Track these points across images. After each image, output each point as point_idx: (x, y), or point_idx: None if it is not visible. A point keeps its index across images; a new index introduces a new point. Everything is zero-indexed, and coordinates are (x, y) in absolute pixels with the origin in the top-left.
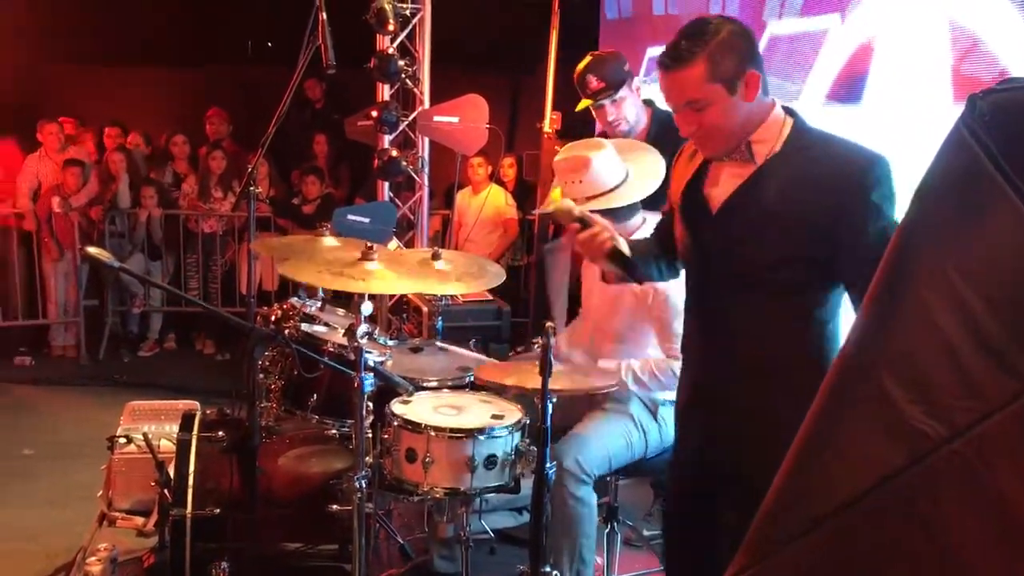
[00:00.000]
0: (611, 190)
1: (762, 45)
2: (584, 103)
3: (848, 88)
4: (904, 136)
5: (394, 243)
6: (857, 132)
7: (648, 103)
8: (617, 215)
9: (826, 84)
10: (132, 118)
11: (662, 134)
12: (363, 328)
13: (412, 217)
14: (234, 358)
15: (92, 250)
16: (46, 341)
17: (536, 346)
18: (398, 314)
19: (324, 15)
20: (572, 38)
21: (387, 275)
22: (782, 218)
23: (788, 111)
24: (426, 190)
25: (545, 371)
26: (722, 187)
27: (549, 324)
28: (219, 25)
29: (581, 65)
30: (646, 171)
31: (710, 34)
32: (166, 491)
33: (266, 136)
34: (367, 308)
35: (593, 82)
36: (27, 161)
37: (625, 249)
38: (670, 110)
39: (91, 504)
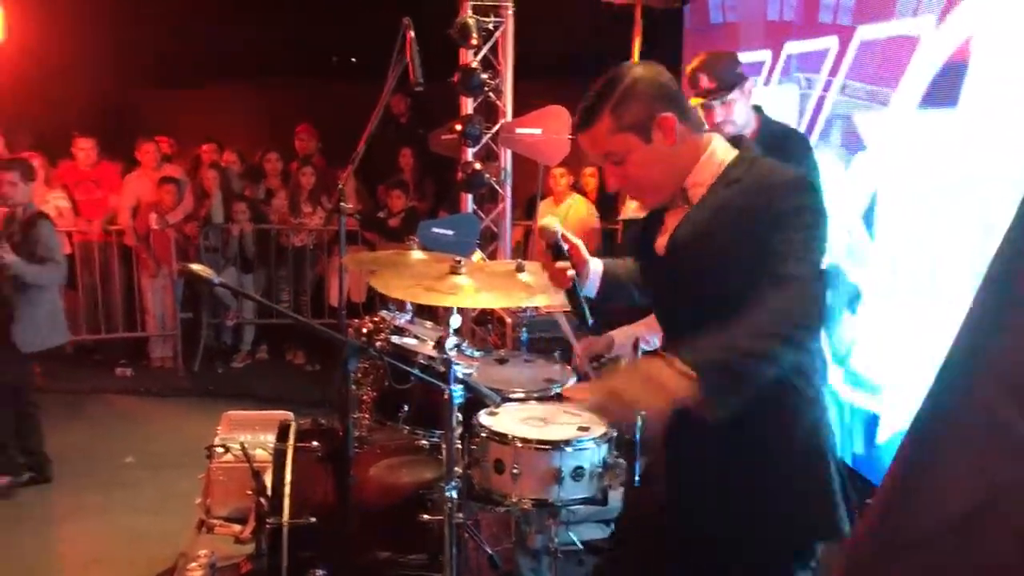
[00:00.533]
0: None
1: (851, 51)
2: (693, 101)
3: (944, 92)
4: (1004, 140)
5: (478, 255)
6: (953, 137)
7: (757, 109)
8: None
9: (920, 89)
10: (225, 135)
11: (769, 143)
12: (452, 341)
13: (495, 228)
14: (324, 369)
15: (194, 267)
16: (145, 353)
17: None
18: (482, 325)
19: (412, 34)
20: (654, 47)
21: (474, 289)
22: (710, 257)
23: (737, 142)
24: (509, 201)
25: None
26: (665, 235)
27: (636, 335)
28: (306, 43)
29: (695, 62)
30: None
31: (613, 85)
32: (262, 499)
33: (356, 154)
34: (456, 321)
35: (704, 81)
36: (126, 180)
37: (582, 291)
38: (781, 120)
39: (190, 511)
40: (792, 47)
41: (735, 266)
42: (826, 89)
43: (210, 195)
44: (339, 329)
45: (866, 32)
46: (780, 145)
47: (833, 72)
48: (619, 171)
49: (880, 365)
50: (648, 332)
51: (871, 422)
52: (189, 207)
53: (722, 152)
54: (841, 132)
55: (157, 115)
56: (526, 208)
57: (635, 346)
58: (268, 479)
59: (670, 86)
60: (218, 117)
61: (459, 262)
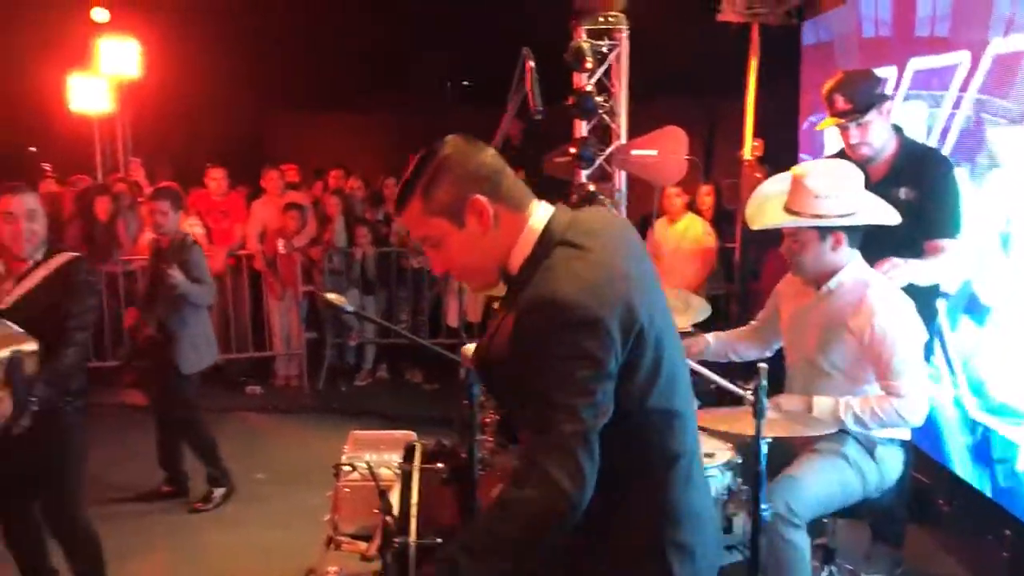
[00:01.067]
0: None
1: (983, 66)
2: (828, 122)
3: None
4: None
5: None
6: None
7: (896, 129)
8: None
9: None
10: (348, 161)
11: (908, 165)
12: None
13: None
14: (442, 387)
15: (328, 295)
16: (272, 371)
17: (749, 393)
18: None
19: (532, 63)
20: (772, 63)
21: None
22: (504, 365)
23: (556, 212)
24: None
25: (759, 415)
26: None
27: (761, 365)
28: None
29: (831, 82)
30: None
31: (424, 164)
32: (388, 518)
33: None
34: None
35: (839, 102)
36: (253, 206)
37: None
38: (922, 141)
39: (317, 526)
40: (918, 63)
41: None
42: (956, 106)
43: (333, 220)
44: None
45: (1000, 46)
46: (919, 166)
47: (963, 88)
48: (439, 255)
49: (1020, 389)
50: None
51: (1012, 450)
52: (312, 231)
53: (534, 234)
54: (973, 149)
55: (282, 143)
56: (640, 228)
57: (760, 375)
58: (393, 498)
59: (484, 163)
60: (341, 143)
61: None
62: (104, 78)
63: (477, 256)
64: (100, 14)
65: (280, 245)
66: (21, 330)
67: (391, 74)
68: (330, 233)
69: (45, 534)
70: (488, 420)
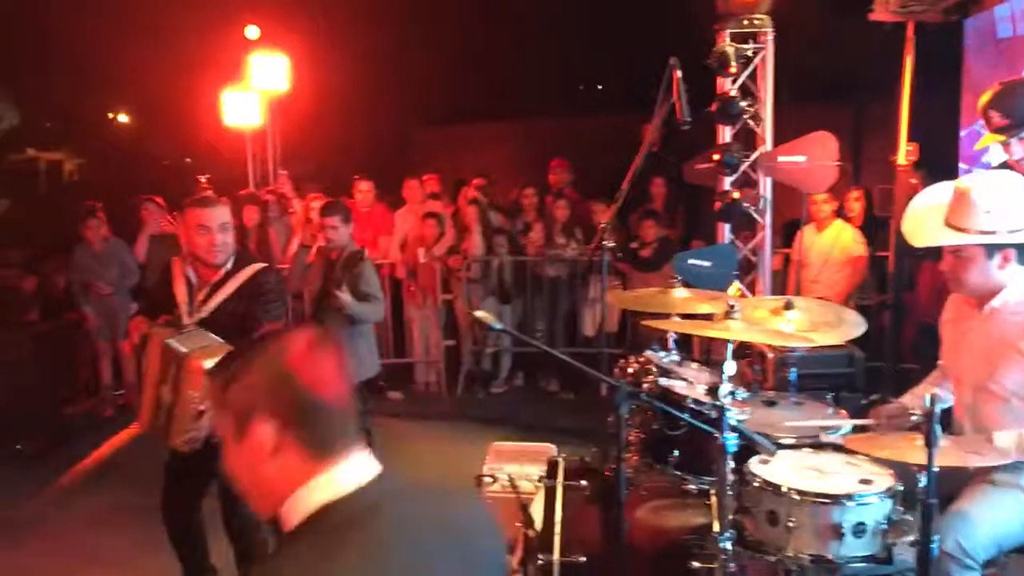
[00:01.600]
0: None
1: None
2: (988, 139)
3: None
4: None
5: (735, 286)
6: None
7: None
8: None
9: None
10: (486, 170)
11: None
12: (727, 388)
13: (753, 258)
14: (578, 397)
15: (478, 313)
16: (411, 377)
17: (913, 414)
18: (741, 358)
19: (679, 73)
20: (929, 66)
21: (745, 328)
22: None
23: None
24: (768, 230)
25: (931, 443)
26: None
27: (935, 392)
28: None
29: (986, 96)
30: None
31: (240, 354)
32: (530, 532)
33: (620, 192)
34: (730, 368)
35: (996, 118)
36: (396, 216)
37: None
38: None
39: None
40: None
41: None
42: None
43: (470, 229)
44: (595, 361)
45: None
46: None
47: None
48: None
49: None
50: (939, 389)
51: None
52: (451, 240)
53: (313, 498)
54: None
55: (424, 154)
56: (785, 235)
57: (932, 402)
58: (534, 511)
59: (299, 386)
60: (480, 153)
61: (732, 307)
62: (256, 93)
63: (247, 479)
64: (253, 31)
65: (421, 254)
66: (220, 340)
67: (526, 82)
68: (468, 242)
69: (208, 534)
70: (632, 438)
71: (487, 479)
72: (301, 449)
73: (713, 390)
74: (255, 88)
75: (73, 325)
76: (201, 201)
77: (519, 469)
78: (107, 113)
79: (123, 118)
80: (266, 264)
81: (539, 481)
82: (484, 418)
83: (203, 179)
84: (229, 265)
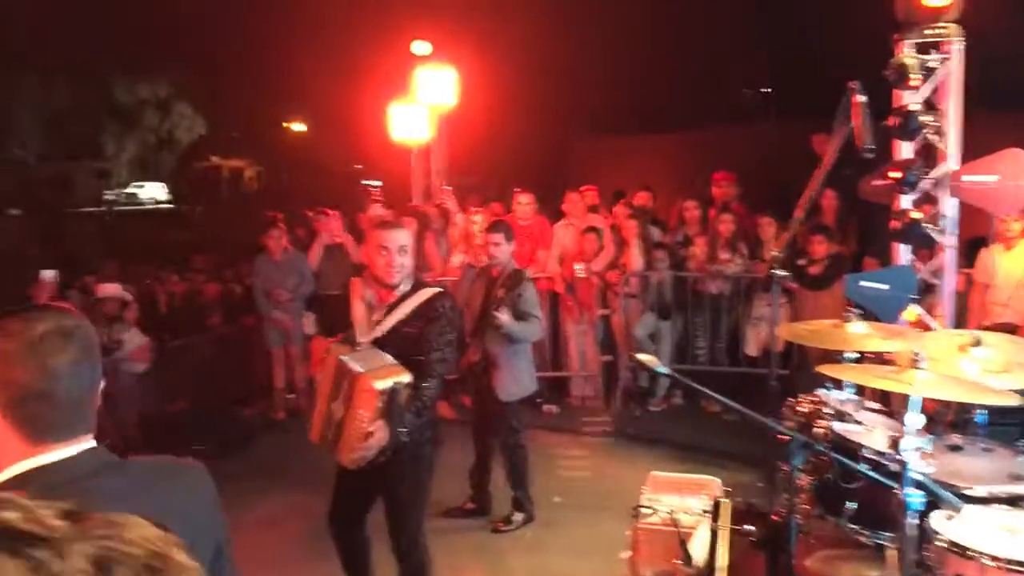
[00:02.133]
0: None
1: None
2: None
3: None
4: None
5: (913, 310)
6: None
7: None
8: None
9: None
10: (648, 182)
11: None
12: (912, 441)
13: (933, 280)
14: (741, 420)
15: (641, 356)
16: (567, 391)
17: None
18: None
19: (860, 98)
20: None
21: (933, 382)
22: None
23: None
24: (949, 251)
25: None
26: None
27: None
28: (716, 81)
29: None
30: None
31: None
32: (689, 571)
33: (794, 220)
34: (917, 420)
35: None
36: (555, 229)
37: None
38: None
39: (612, 557)
40: None
41: None
42: None
43: (629, 243)
44: (760, 381)
45: None
46: None
47: None
48: None
49: None
50: None
51: None
52: (610, 255)
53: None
54: None
55: (581, 165)
56: (969, 253)
57: None
58: (693, 547)
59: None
60: (639, 164)
61: (917, 355)
62: (423, 107)
63: None
64: (420, 47)
65: (579, 269)
66: (395, 361)
67: (685, 89)
68: (627, 256)
69: (372, 551)
70: (803, 482)
71: (645, 510)
72: (18, 434)
73: (895, 443)
74: (422, 102)
75: (249, 330)
76: (385, 224)
77: (679, 502)
78: (282, 123)
79: (296, 127)
80: (441, 290)
81: (701, 514)
82: (642, 436)
83: (373, 186)
84: (406, 287)
